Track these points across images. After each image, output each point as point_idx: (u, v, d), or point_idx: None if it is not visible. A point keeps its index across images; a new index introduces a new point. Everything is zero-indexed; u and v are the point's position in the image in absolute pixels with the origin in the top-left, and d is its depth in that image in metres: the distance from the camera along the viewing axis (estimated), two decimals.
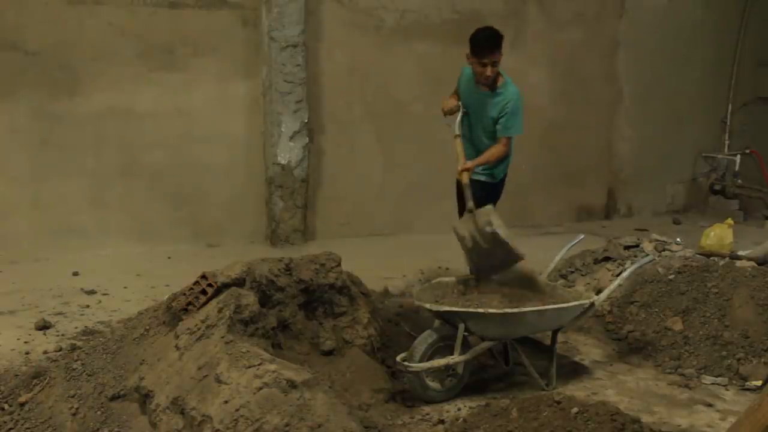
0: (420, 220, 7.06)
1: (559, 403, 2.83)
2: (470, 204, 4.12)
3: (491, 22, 7.11)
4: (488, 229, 3.97)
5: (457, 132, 4.43)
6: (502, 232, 3.96)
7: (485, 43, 4.30)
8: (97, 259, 5.82)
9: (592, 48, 7.83)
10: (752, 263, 4.73)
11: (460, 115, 4.49)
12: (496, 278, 4.08)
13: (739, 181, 8.65)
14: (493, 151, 4.42)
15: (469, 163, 4.35)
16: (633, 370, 4.15)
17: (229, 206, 6.54)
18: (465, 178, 4.27)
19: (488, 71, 4.31)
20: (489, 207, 4.12)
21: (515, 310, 3.66)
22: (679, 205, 8.76)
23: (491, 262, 4.01)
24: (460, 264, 5.87)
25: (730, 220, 5.65)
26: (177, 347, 3.26)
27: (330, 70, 6.69)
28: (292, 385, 2.85)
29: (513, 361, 4.01)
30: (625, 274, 4.11)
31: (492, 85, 4.41)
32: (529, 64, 7.39)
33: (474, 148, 4.56)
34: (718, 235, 5.46)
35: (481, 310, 3.60)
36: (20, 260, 5.76)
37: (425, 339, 3.64)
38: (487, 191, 4.53)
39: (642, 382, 4.00)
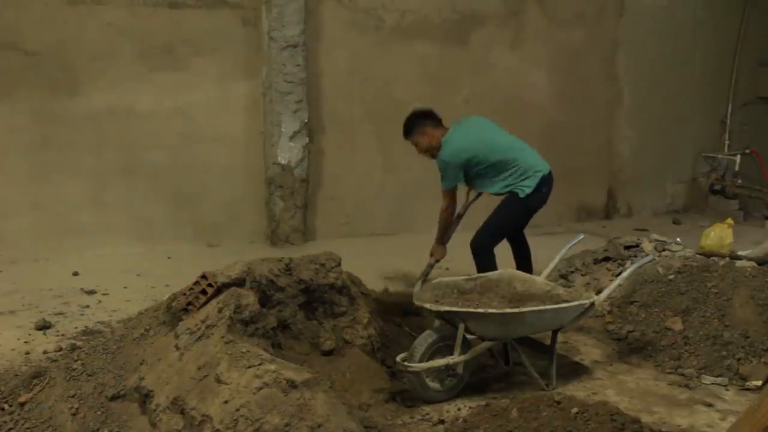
0: (420, 220, 7.04)
1: (559, 403, 2.83)
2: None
3: (491, 23, 7.24)
4: None
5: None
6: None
7: (403, 128, 4.62)
8: (97, 259, 5.82)
9: (592, 48, 7.83)
10: (752, 263, 4.73)
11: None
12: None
13: (739, 181, 8.66)
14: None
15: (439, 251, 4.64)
16: (633, 370, 4.14)
17: (229, 206, 6.55)
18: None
19: (416, 150, 4.63)
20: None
21: (515, 310, 3.65)
22: (679, 205, 8.77)
23: None
24: (460, 264, 5.89)
25: (730, 220, 5.64)
26: (177, 347, 3.26)
27: (330, 70, 6.69)
28: (292, 385, 2.85)
29: (513, 361, 4.01)
30: (625, 274, 4.10)
31: (434, 155, 4.57)
32: (529, 64, 7.41)
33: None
34: (718, 235, 5.44)
35: (481, 310, 3.60)
36: (20, 260, 5.76)
37: (425, 339, 3.63)
38: (510, 204, 4.61)
39: (642, 382, 3.99)
